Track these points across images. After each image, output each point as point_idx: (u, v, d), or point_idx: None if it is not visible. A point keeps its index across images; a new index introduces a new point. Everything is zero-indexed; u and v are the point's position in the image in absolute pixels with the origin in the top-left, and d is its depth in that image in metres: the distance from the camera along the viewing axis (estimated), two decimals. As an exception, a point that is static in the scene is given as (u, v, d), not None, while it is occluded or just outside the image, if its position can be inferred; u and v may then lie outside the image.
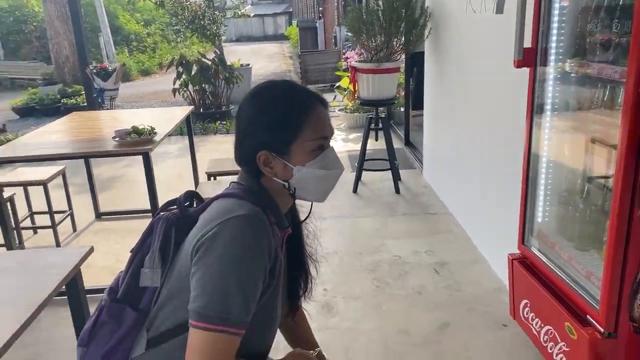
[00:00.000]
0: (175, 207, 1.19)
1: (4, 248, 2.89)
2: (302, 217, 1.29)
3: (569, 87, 2.09)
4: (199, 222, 1.09)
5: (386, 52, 4.13)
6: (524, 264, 2.34)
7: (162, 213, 1.18)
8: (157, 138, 2.99)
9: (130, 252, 1.17)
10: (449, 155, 4.00)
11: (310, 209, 1.24)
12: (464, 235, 3.59)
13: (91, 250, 1.57)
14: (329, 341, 2.53)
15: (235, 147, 1.16)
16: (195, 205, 1.23)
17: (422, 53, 5.59)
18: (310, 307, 2.76)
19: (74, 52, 10.05)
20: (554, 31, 2.02)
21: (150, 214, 3.04)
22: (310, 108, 1.12)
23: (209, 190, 3.23)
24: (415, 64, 5.53)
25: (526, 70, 2.18)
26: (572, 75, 2.01)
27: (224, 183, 3.40)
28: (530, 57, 2.09)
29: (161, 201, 3.20)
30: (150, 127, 3.01)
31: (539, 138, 2.21)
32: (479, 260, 3.25)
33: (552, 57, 2.07)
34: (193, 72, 7.76)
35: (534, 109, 2.19)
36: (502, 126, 2.86)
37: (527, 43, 2.06)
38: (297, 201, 1.22)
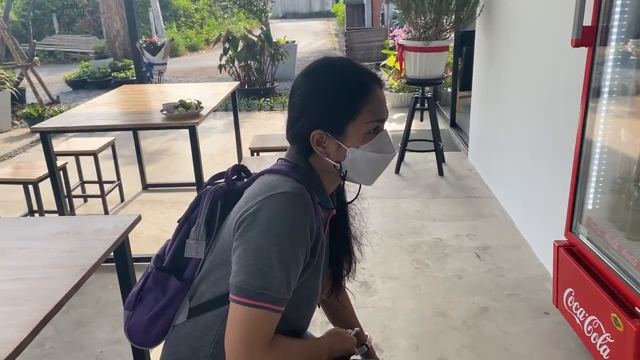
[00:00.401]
0: (222, 180, 1.20)
1: (56, 214, 3.03)
2: (348, 198, 1.28)
3: (629, 70, 1.98)
4: (243, 196, 1.10)
5: (435, 30, 4.02)
6: (571, 252, 2.27)
7: (209, 186, 1.19)
8: (203, 112, 3.03)
9: (177, 222, 1.20)
10: (496, 138, 3.89)
11: (359, 190, 1.23)
12: (507, 220, 3.51)
13: (139, 218, 1.62)
14: (365, 319, 2.53)
15: (288, 124, 1.16)
16: (243, 178, 1.24)
17: (472, 32, 5.43)
18: (349, 285, 2.78)
19: (124, 26, 10.30)
20: (617, 8, 1.91)
21: (195, 187, 3.11)
22: (370, 89, 1.10)
23: (251, 165, 3.23)
24: (465, 43, 5.37)
25: (584, 51, 2.08)
26: (633, 57, 1.91)
27: (267, 159, 3.43)
28: (590, 36, 2.00)
29: (206, 175, 3.28)
30: (197, 101, 3.05)
31: (594, 123, 2.12)
32: (522, 245, 3.18)
33: (614, 37, 1.96)
34: (239, 49, 7.80)
35: (590, 92, 2.09)
36: (554, 109, 2.75)
37: (587, 21, 1.97)
38: (345, 182, 1.22)
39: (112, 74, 9.55)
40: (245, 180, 1.19)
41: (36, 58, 7.65)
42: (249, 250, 1.00)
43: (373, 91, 1.10)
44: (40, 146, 2.91)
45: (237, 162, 3.85)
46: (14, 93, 6.83)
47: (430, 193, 4.01)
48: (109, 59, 10.48)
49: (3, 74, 6.72)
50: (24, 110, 6.93)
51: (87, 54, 11.17)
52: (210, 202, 1.15)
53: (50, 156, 2.91)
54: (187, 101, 3.02)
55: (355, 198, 1.26)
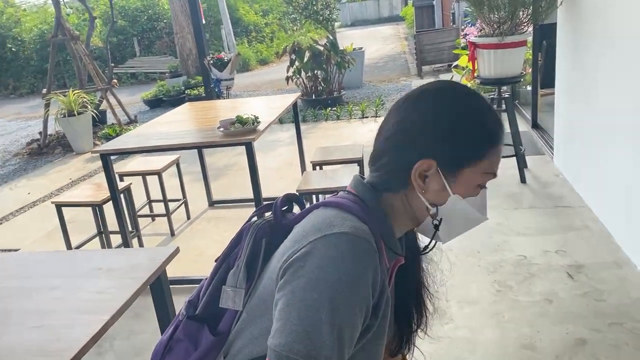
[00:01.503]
0: (270, 212, 1.01)
1: (121, 245, 3.00)
2: (421, 245, 1.06)
3: None
4: (292, 234, 0.90)
5: (510, 25, 3.66)
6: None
7: (253, 219, 1.00)
8: (260, 127, 2.90)
9: (215, 261, 1.02)
10: (587, 140, 3.45)
11: (433, 238, 1.00)
12: (604, 233, 3.07)
13: (177, 250, 1.48)
14: (440, 352, 2.26)
15: (385, 149, 0.94)
16: (295, 210, 1.05)
17: (553, 24, 4.97)
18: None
19: (196, 45, 10.60)
20: None
21: (254, 205, 2.98)
22: (500, 138, 0.95)
23: (312, 180, 3.09)
24: (545, 36, 4.92)
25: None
26: None
27: (329, 173, 3.25)
28: None
29: (269, 190, 3.17)
30: (254, 116, 2.93)
31: None
32: (623, 263, 2.75)
33: None
34: (305, 59, 7.73)
35: None
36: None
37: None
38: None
39: (186, 92, 9.82)
40: (298, 213, 0.98)
41: (115, 81, 8.00)
42: (293, 305, 0.79)
43: (500, 142, 0.95)
44: (117, 164, 2.90)
45: (300, 176, 3.71)
46: (95, 115, 7.15)
47: (512, 203, 3.63)
48: (183, 77, 10.82)
49: (85, 97, 7.06)
50: (103, 131, 7.24)
51: (164, 73, 11.62)
52: (253, 240, 0.95)
53: (111, 178, 2.89)
54: (244, 116, 2.90)
55: (432, 247, 1.03)
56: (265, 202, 1.04)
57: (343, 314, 0.78)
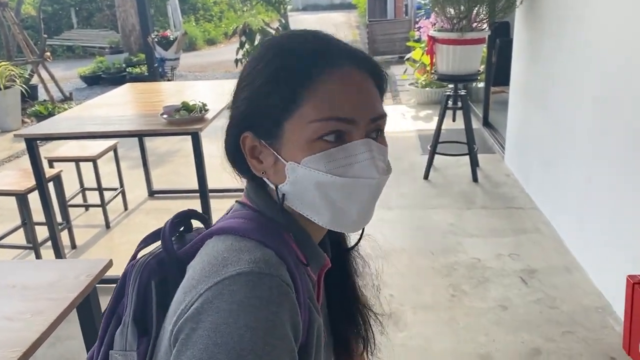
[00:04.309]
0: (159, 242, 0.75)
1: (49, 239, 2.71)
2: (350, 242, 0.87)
3: None
4: (185, 279, 0.67)
5: (468, 21, 3.58)
6: (650, 291, 1.86)
7: (139, 255, 0.75)
8: (209, 116, 2.67)
9: (102, 316, 0.77)
10: (539, 140, 3.45)
11: (362, 234, 0.81)
12: (554, 237, 3.07)
13: (110, 264, 1.26)
14: (395, 362, 2.16)
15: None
16: (193, 231, 0.81)
17: (506, 23, 4.98)
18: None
19: (139, 20, 10.03)
20: None
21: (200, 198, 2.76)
22: (321, 69, 0.67)
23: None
24: (498, 35, 4.92)
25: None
26: None
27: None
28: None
29: (213, 182, 2.93)
30: (202, 103, 2.69)
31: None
32: (574, 268, 2.75)
33: None
34: (256, 42, 7.44)
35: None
36: (625, 110, 2.31)
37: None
38: None
39: (127, 70, 9.28)
40: (192, 241, 0.74)
41: (48, 53, 7.40)
42: None
43: (327, 71, 0.67)
44: (48, 146, 2.58)
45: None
46: (24, 90, 6.59)
47: (465, 203, 3.58)
48: (124, 54, 10.23)
49: (13, 70, 6.48)
50: (34, 108, 6.68)
51: (104, 48, 10.94)
52: (138, 285, 0.70)
53: (37, 165, 2.58)
54: (191, 103, 2.66)
55: (357, 243, 0.84)
56: (152, 231, 0.77)
57: None
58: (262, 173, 0.72)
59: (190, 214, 0.79)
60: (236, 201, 0.77)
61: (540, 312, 2.43)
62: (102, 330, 0.75)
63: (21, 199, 2.83)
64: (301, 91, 0.67)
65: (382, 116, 0.70)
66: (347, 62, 0.69)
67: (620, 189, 2.35)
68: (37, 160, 2.57)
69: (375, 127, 0.70)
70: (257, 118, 0.70)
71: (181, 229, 0.78)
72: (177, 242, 0.75)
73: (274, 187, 0.71)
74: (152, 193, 3.98)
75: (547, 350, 2.19)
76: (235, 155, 0.74)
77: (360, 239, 0.83)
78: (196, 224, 0.82)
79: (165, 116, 2.61)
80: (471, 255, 2.92)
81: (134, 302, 0.70)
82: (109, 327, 0.74)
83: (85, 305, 1.22)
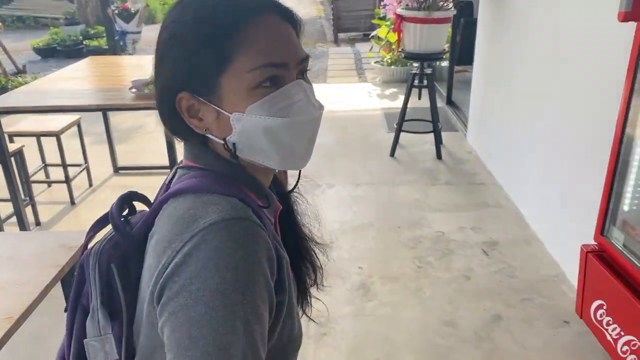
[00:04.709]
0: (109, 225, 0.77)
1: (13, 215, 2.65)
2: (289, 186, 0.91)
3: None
4: (151, 248, 0.70)
5: (434, 0, 3.65)
6: (602, 259, 1.99)
7: (91, 245, 0.76)
8: (178, 90, 2.65)
9: (65, 311, 0.78)
10: (501, 119, 3.58)
11: (299, 175, 0.86)
12: (514, 211, 3.22)
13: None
14: (365, 329, 2.25)
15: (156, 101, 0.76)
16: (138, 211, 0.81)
17: (470, 3, 5.06)
18: (345, 289, 2.47)
19: (97, -10, 9.64)
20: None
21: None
22: (246, 18, 0.70)
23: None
24: (463, 14, 5.01)
25: (632, 26, 1.76)
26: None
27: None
28: (644, 9, 1.67)
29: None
30: (171, 77, 2.67)
31: (639, 112, 1.81)
32: (532, 240, 2.90)
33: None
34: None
35: (637, 74, 1.78)
36: (583, 91, 2.43)
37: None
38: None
39: (84, 42, 8.97)
40: (145, 214, 0.75)
41: (-1, 24, 7.06)
42: (180, 329, 0.61)
43: (253, 22, 0.70)
44: (4, 120, 2.49)
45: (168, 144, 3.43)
46: (-26, 62, 6.29)
47: (429, 179, 3.70)
48: (81, 25, 9.85)
49: (-39, 41, 6.17)
50: (-15, 81, 6.40)
51: (57, 19, 10.50)
52: (99, 272, 0.72)
53: (0, 140, 2.51)
54: (160, 77, 2.63)
55: (295, 185, 0.88)
56: (97, 219, 0.78)
57: (243, 315, 0.62)
58: (205, 130, 0.73)
59: (131, 196, 0.80)
60: (177, 168, 0.78)
61: (500, 281, 2.57)
62: (69, 323, 0.76)
63: (-17, 174, 2.75)
64: (230, 45, 0.68)
65: (306, 58, 0.74)
66: (268, 10, 0.72)
67: (574, 166, 2.48)
68: (0, 134, 2.49)
69: (301, 68, 0.74)
70: (191, 78, 0.70)
71: (125, 212, 0.78)
72: (125, 225, 0.75)
73: (222, 141, 0.73)
74: (117, 169, 3.92)
75: (507, 316, 2.32)
76: (172, 119, 0.74)
77: (298, 181, 0.87)
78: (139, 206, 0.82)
79: (134, 90, 2.58)
80: (435, 229, 3.04)
81: (99, 288, 0.71)
82: (74, 319, 0.75)
83: (69, 277, 1.23)
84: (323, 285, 0.96)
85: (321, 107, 0.76)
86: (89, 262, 0.73)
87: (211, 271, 0.61)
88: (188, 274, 0.61)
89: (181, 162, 0.79)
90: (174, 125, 0.75)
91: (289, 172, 0.90)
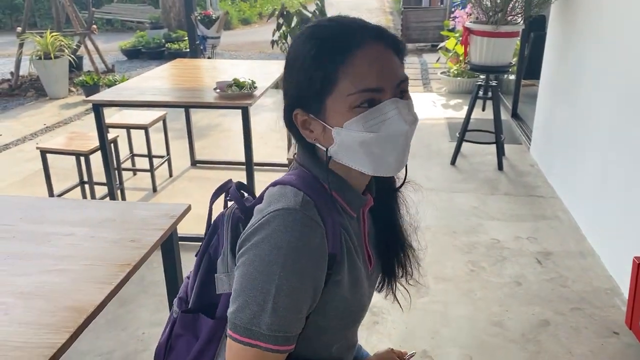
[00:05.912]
0: (228, 195, 1.03)
1: (106, 197, 2.99)
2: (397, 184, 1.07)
3: None
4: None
5: (503, 14, 3.73)
6: (654, 271, 2.05)
7: (225, 210, 1.02)
8: (257, 93, 2.92)
9: (195, 256, 1.04)
10: (564, 134, 3.61)
11: (405, 175, 1.02)
12: (572, 224, 3.25)
13: (189, 208, 1.53)
14: (415, 322, 2.40)
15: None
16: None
17: (542, 17, 5.07)
18: (398, 284, 2.63)
19: (180, -3, 10.28)
20: None
21: (244, 168, 3.01)
22: (349, 49, 0.85)
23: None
24: (533, 28, 5.03)
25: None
26: None
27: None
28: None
29: (256, 154, 3.20)
30: (252, 80, 2.94)
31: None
32: (588, 254, 2.94)
33: None
34: (293, 24, 7.62)
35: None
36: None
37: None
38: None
39: (166, 45, 9.58)
40: (259, 195, 1.00)
41: (94, 26, 7.73)
42: (241, 277, 0.85)
43: (355, 52, 0.85)
44: (93, 115, 2.87)
45: (285, 143, 3.73)
46: (72, 60, 6.93)
47: (489, 189, 3.78)
48: (164, 29, 10.52)
49: (62, 41, 6.82)
50: (80, 78, 7.02)
51: (142, 23, 11.26)
52: (231, 227, 0.97)
53: (102, 129, 2.87)
54: (242, 80, 2.91)
55: (402, 184, 1.05)
56: (217, 188, 1.04)
57: (287, 284, 0.83)
58: (314, 140, 0.92)
59: (241, 184, 1.05)
60: (295, 160, 1.00)
61: (552, 290, 2.64)
62: (197, 265, 1.02)
63: (85, 158, 3.13)
64: (337, 72, 0.85)
65: (404, 80, 0.89)
66: (371, 40, 0.86)
67: (633, 182, 2.52)
68: (102, 124, 2.85)
69: (400, 89, 0.88)
70: (305, 98, 0.89)
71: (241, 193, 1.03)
72: (242, 199, 1.01)
73: (325, 150, 0.91)
74: (194, 163, 4.27)
75: (555, 322, 2.40)
76: (291, 127, 0.94)
77: (403, 182, 1.06)
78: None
79: (218, 90, 2.87)
80: (491, 236, 3.13)
81: (230, 238, 0.96)
82: (201, 262, 1.01)
83: (168, 242, 1.48)
84: (415, 282, 1.17)
85: (415, 121, 0.90)
86: (223, 220, 0.98)
87: (265, 244, 0.84)
88: (253, 241, 0.85)
89: (295, 155, 1.02)
90: (293, 131, 0.97)
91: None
